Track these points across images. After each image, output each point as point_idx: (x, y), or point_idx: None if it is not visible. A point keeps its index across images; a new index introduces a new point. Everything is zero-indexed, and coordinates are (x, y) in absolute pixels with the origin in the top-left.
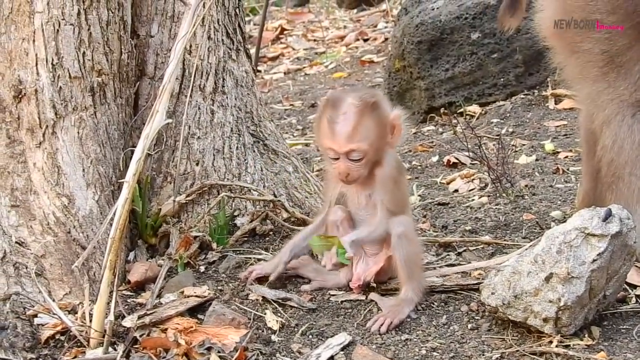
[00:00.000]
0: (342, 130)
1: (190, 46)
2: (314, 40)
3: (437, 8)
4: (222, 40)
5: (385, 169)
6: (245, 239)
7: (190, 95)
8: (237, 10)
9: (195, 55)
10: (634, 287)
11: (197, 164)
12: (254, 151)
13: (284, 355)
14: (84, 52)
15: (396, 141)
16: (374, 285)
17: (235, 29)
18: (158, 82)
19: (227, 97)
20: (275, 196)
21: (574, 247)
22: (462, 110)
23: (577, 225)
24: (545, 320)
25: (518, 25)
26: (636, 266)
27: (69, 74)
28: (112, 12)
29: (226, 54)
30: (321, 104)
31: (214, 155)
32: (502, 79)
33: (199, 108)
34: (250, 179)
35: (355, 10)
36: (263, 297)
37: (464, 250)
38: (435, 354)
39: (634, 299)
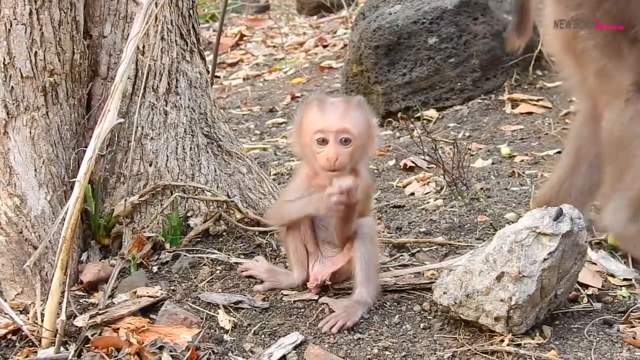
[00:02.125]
0: (333, 112)
1: (144, 47)
2: (274, 46)
3: (395, 13)
4: (176, 41)
5: (363, 179)
6: (199, 239)
7: (143, 96)
8: (191, 12)
9: (148, 56)
10: (585, 287)
11: (150, 165)
12: (208, 152)
13: (236, 355)
14: (35, 52)
15: (374, 150)
16: (329, 284)
17: (189, 30)
18: (111, 82)
19: (180, 98)
20: (229, 197)
21: (525, 247)
22: (419, 114)
23: (528, 225)
24: (497, 319)
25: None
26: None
27: (21, 73)
28: (64, 12)
29: (180, 54)
30: (302, 107)
31: (167, 155)
32: (459, 84)
33: (152, 109)
34: (203, 179)
35: (315, 17)
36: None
37: (418, 251)
38: (387, 353)
39: (585, 299)
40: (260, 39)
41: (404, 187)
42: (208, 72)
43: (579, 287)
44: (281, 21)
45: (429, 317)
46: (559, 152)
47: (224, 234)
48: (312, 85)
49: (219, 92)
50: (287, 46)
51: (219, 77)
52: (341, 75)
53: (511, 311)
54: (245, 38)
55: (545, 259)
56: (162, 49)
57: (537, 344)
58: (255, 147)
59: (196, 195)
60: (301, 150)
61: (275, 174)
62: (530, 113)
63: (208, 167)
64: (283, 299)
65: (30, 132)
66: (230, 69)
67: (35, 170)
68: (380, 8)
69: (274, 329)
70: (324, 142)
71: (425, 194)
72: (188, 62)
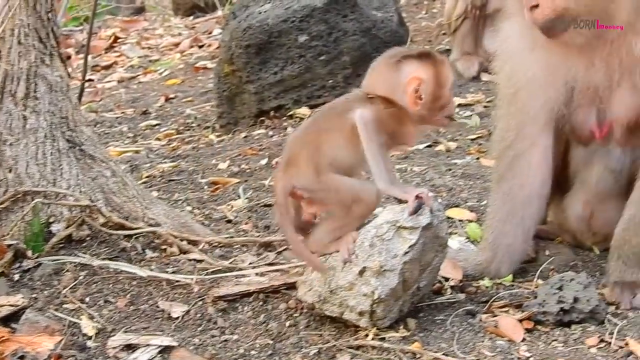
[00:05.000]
0: None
1: (0, 51)
2: (149, 47)
3: (265, 12)
4: (34, 44)
5: None
6: (62, 245)
7: (1, 101)
8: (49, 15)
9: (4, 60)
10: (448, 279)
11: (10, 171)
12: (69, 156)
13: None
14: None
15: None
16: None
17: (48, 33)
18: None
19: (40, 103)
20: (92, 201)
21: (386, 241)
22: (291, 112)
23: (388, 219)
24: (361, 313)
25: None
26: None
27: None
28: None
29: (38, 58)
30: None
31: (27, 161)
32: (330, 81)
33: (11, 114)
34: (65, 184)
35: (190, 18)
36: (81, 300)
37: (285, 249)
38: (253, 352)
39: (449, 291)
40: (135, 41)
41: None
42: (69, 75)
43: (442, 280)
44: (156, 22)
45: (295, 315)
46: (429, 146)
47: (88, 238)
48: (187, 86)
49: (92, 95)
50: (162, 47)
51: (92, 80)
52: (214, 75)
53: (374, 305)
54: (119, 40)
55: (406, 252)
56: (19, 53)
57: (401, 336)
58: (127, 149)
59: (58, 200)
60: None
61: (147, 177)
62: None
63: (70, 172)
64: (149, 301)
65: None
66: (105, 72)
67: None
68: (251, 7)
69: (139, 333)
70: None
71: None
72: (47, 65)
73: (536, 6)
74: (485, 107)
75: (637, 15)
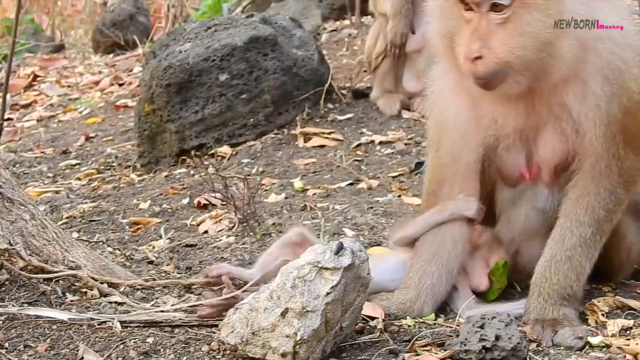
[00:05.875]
0: None
1: None
2: (68, 86)
3: (185, 51)
4: None
5: None
6: None
7: None
8: None
9: None
10: (372, 318)
11: None
12: None
13: None
14: None
15: None
16: None
17: None
18: None
19: None
20: (11, 245)
21: (308, 282)
22: (213, 151)
23: (310, 260)
24: (284, 355)
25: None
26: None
27: None
28: None
29: None
30: None
31: None
32: (251, 119)
33: None
34: None
35: (111, 55)
36: (0, 345)
37: (204, 290)
38: None
39: (372, 330)
40: (55, 79)
41: (198, 225)
42: None
43: (365, 318)
44: (76, 60)
45: (217, 357)
46: (350, 184)
47: (7, 282)
48: (107, 125)
49: (11, 134)
50: (82, 86)
51: (11, 119)
52: (135, 114)
53: (297, 346)
54: (39, 78)
55: (328, 293)
56: None
57: None
58: (47, 190)
59: None
60: None
61: (67, 217)
62: (322, 146)
63: None
64: (69, 345)
65: None
66: (24, 111)
67: None
68: (171, 46)
69: None
70: None
71: (218, 231)
72: None
73: (479, 58)
74: (406, 144)
75: (575, 68)
